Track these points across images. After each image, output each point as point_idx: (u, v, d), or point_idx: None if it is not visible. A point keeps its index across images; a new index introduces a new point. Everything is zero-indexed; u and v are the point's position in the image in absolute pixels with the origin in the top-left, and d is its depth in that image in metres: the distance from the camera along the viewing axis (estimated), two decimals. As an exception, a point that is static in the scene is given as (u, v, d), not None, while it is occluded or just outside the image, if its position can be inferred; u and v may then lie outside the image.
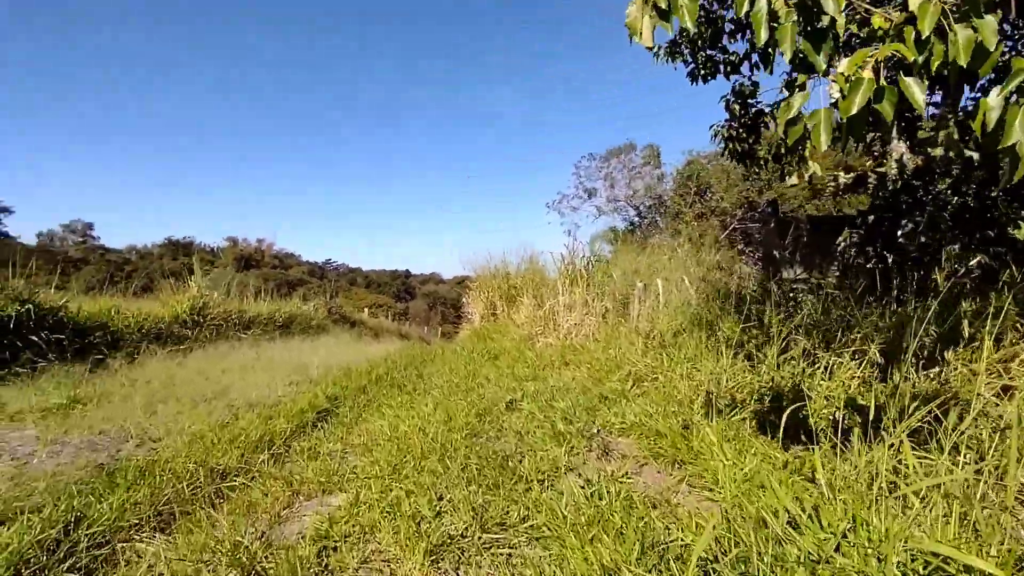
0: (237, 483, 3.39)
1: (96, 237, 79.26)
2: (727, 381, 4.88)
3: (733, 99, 5.92)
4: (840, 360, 4.35)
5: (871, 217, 5.70)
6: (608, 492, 3.15)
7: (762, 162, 6.08)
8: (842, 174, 6.90)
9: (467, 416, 4.85)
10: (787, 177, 6.28)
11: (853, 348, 4.48)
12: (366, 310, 20.77)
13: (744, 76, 6.08)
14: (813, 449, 3.69)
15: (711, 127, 6.18)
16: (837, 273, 6.84)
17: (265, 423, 4.40)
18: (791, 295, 6.68)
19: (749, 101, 5.86)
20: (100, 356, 6.59)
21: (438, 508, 3.07)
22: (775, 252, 8.39)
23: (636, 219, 15.52)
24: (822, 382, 4.27)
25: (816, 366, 4.46)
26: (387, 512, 2.97)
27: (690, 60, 6.20)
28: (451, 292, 56.65)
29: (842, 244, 6.17)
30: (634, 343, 6.95)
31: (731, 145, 5.99)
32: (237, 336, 9.83)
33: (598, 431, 4.50)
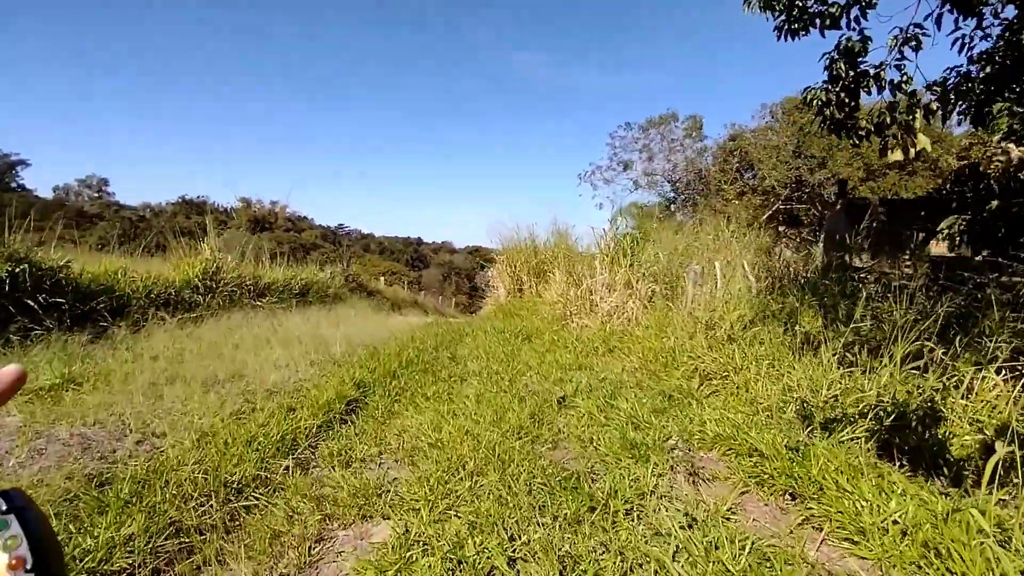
0: (256, 502, 2.73)
1: (111, 193, 79.05)
2: (827, 389, 4.16)
3: (838, 57, 5.05)
4: (983, 374, 3.60)
5: (994, 203, 4.86)
6: (724, 540, 2.47)
7: (862, 133, 5.23)
8: (1013, 147, 5.98)
9: (518, 415, 4.17)
10: (889, 152, 5.45)
11: (988, 358, 3.75)
12: (382, 279, 20.13)
13: (847, 31, 5.21)
14: (968, 490, 3.00)
15: (804, 91, 5.32)
16: (927, 264, 6.03)
17: (286, 417, 3.74)
18: (875, 286, 5.90)
19: (857, 61, 4.99)
20: (103, 324, 5.96)
21: (512, 553, 2.41)
22: (841, 236, 7.56)
23: (671, 195, 14.63)
24: (959, 400, 3.54)
25: (949, 378, 3.71)
26: (449, 559, 2.31)
27: (782, 10, 5.32)
28: (466, 262, 55.95)
29: (945, 231, 5.35)
30: (692, 333, 6.23)
31: (827, 112, 5.14)
32: (251, 304, 9.21)
33: (677, 443, 3.83)
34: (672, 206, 14.69)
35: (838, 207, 8.12)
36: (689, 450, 3.73)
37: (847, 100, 5.05)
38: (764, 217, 12.93)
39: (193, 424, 3.48)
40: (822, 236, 9.00)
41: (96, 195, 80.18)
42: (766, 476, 3.20)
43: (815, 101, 5.17)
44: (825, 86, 5.15)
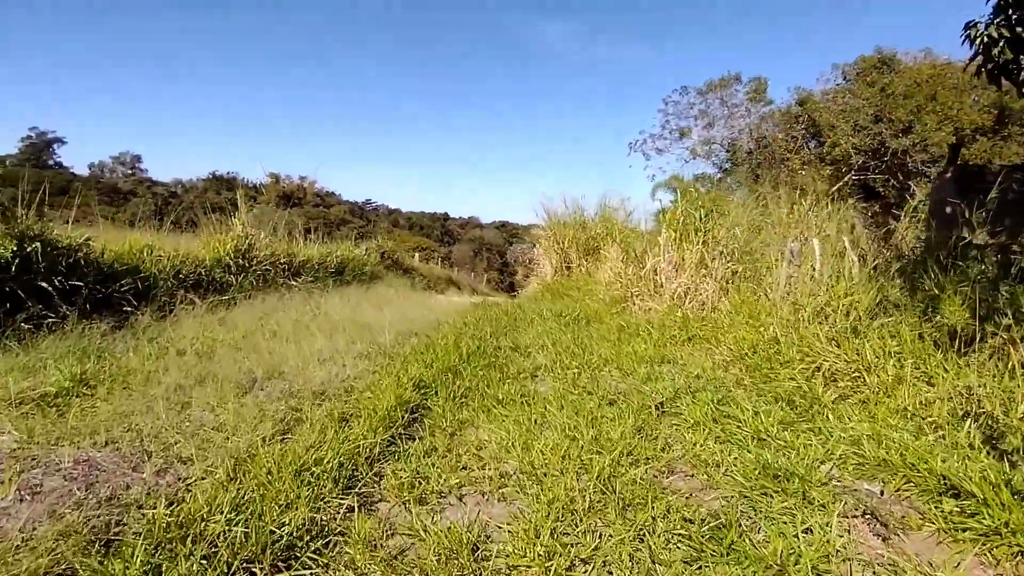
0: (312, 569, 2.01)
1: (144, 169, 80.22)
2: (1021, 404, 3.26)
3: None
4: None
5: None
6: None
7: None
8: None
9: (620, 429, 3.39)
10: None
11: None
12: (416, 255, 19.48)
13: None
14: None
15: (966, 27, 4.29)
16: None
17: (340, 432, 3.01)
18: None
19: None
20: (127, 310, 5.33)
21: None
22: (953, 209, 6.51)
23: (727, 165, 13.48)
24: None
25: None
26: None
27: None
28: (496, 238, 55.10)
29: None
30: (794, 322, 5.34)
31: (994, 51, 4.12)
32: (287, 284, 8.56)
33: (832, 470, 3.00)
34: (729, 178, 13.57)
35: (948, 175, 7.04)
36: (846, 479, 2.91)
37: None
38: (834, 189, 11.78)
39: (228, 445, 2.76)
40: (926, 209, 7.93)
41: (130, 172, 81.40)
42: (987, 527, 2.37)
43: (979, 40, 4.15)
44: (996, 20, 4.12)
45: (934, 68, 11.65)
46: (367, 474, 2.74)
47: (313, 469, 2.61)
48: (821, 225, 8.88)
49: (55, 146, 77.42)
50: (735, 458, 3.11)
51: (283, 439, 2.96)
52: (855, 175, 11.81)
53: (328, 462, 2.66)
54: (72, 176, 67.37)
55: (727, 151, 13.17)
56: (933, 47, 12.53)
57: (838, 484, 2.84)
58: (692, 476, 3.03)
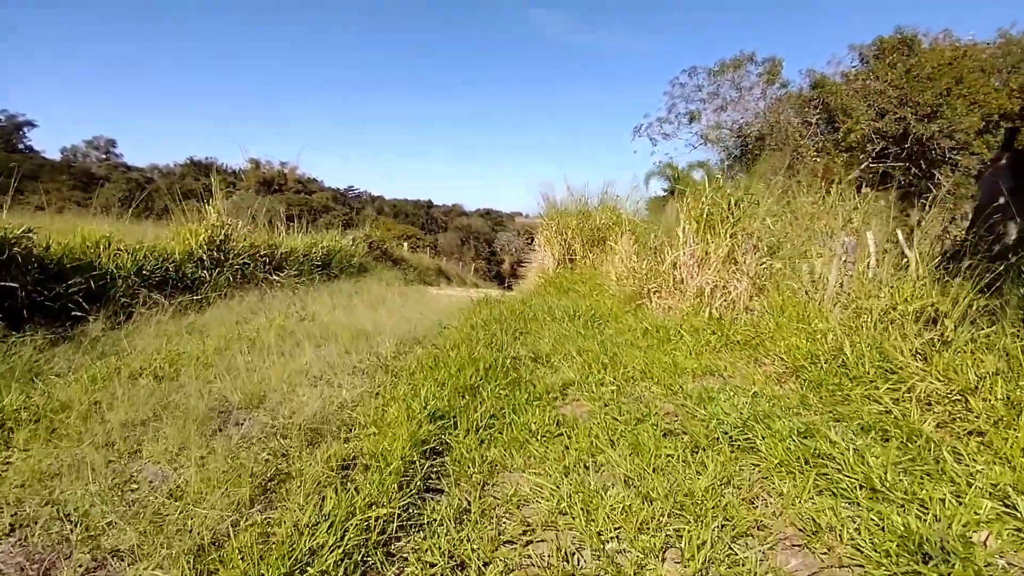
0: None
1: (119, 154, 77.59)
2: None
3: None
4: None
5: None
6: None
7: None
8: None
9: (702, 480, 2.67)
10: None
11: None
12: (405, 244, 18.60)
13: None
14: None
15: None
16: None
17: (342, 499, 2.24)
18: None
19: None
20: (77, 315, 4.48)
21: None
22: (1008, 199, 5.88)
23: (737, 151, 12.76)
24: None
25: None
26: None
27: None
28: (483, 226, 54.04)
29: None
30: (853, 328, 4.66)
31: None
32: (268, 279, 7.71)
33: (988, 542, 2.31)
34: (737, 164, 12.88)
35: (1002, 162, 6.39)
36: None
37: None
38: (851, 177, 11.15)
39: (187, 525, 1.98)
40: (977, 199, 7.31)
41: (104, 156, 78.76)
42: None
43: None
44: None
45: (956, 50, 11.03)
46: (381, 561, 1.98)
47: (309, 560, 1.85)
48: (848, 216, 8.27)
49: (25, 129, 74.55)
50: (854, 520, 2.42)
51: (265, 508, 2.18)
52: (872, 162, 11.18)
53: (329, 553, 1.89)
54: (44, 161, 64.99)
55: (737, 136, 12.46)
56: (952, 28, 11.94)
57: (1012, 566, 2.15)
58: (804, 548, 2.33)
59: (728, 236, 6.97)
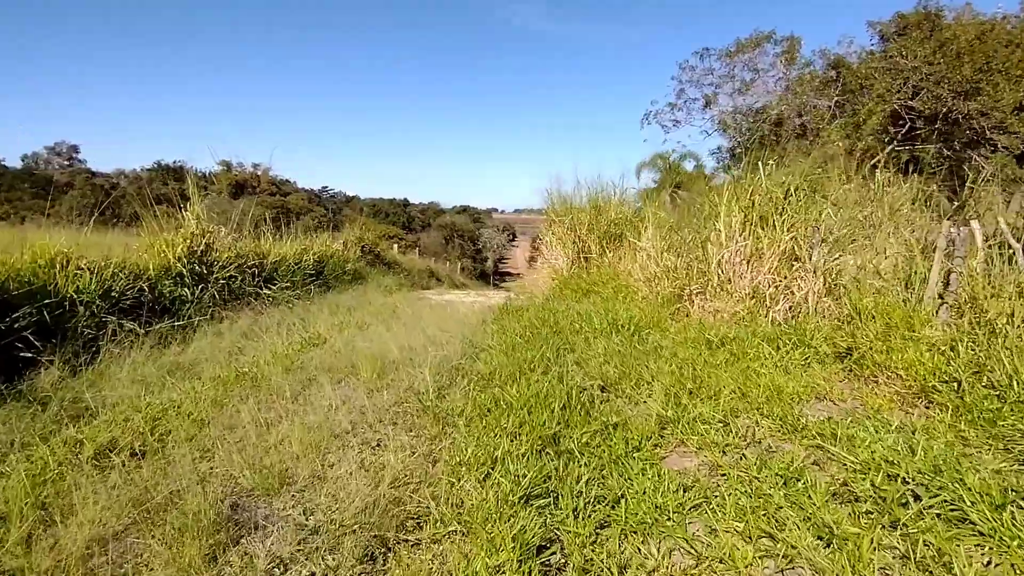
0: None
1: (82, 160, 74.74)
2: None
3: None
4: None
5: None
6: None
7: None
8: None
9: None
10: None
11: None
12: (395, 247, 17.55)
13: None
14: None
15: None
16: None
17: None
18: None
19: None
20: (26, 357, 3.48)
21: None
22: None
23: (756, 137, 11.97)
24: None
25: None
26: None
27: None
28: (468, 224, 52.82)
29: None
30: (994, 339, 3.87)
31: None
32: (257, 293, 6.71)
33: None
34: (747, 153, 12.10)
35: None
36: None
37: None
38: (876, 160, 10.49)
39: None
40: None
41: (67, 163, 75.84)
42: None
43: None
44: None
45: (983, 24, 10.42)
46: None
47: None
48: (898, 205, 7.56)
49: (-20, 136, 71.35)
50: None
51: None
52: (899, 145, 10.51)
53: None
54: (3, 169, 62.09)
55: (753, 121, 11.68)
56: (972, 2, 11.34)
57: None
58: None
59: (786, 229, 6.17)
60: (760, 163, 6.91)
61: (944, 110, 9.55)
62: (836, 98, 11.15)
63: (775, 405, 3.63)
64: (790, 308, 5.81)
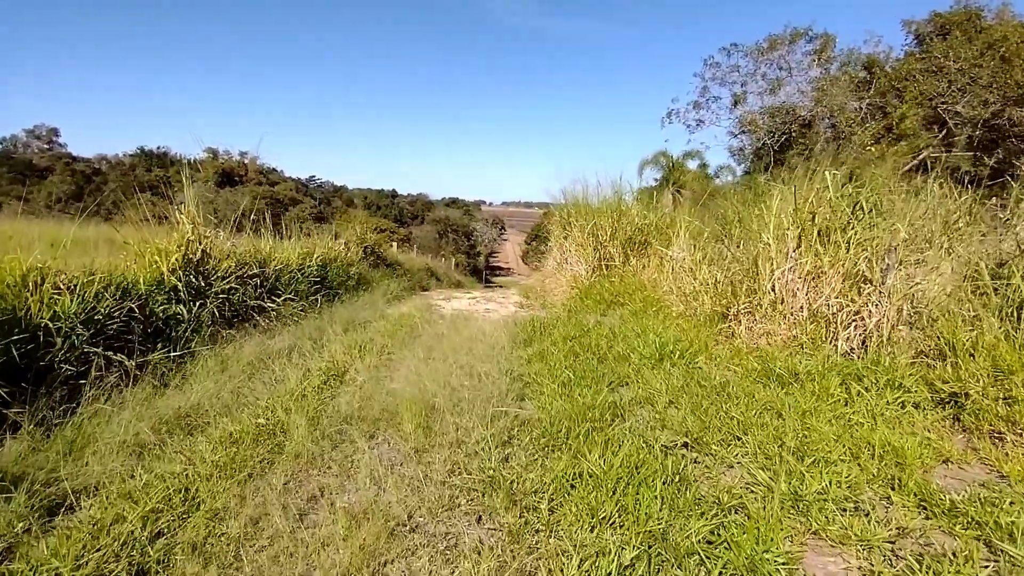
0: None
1: (63, 144, 72.80)
2: None
3: None
4: None
5: None
6: None
7: None
8: None
9: None
10: None
11: None
12: (394, 245, 16.79)
13: None
14: None
15: None
16: None
17: None
18: None
19: None
20: (-14, 410, 2.77)
21: None
22: None
23: (768, 140, 11.40)
24: None
25: None
26: None
27: None
28: (461, 218, 51.87)
29: None
30: None
31: None
32: (259, 307, 5.99)
33: None
34: (767, 155, 11.57)
35: None
36: None
37: None
38: (908, 168, 9.97)
39: None
40: None
41: (46, 147, 73.84)
42: None
43: None
44: None
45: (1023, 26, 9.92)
46: None
47: None
48: (953, 218, 7.02)
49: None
50: None
51: None
52: (936, 151, 9.99)
53: None
54: (-20, 152, 60.27)
55: (783, 122, 11.07)
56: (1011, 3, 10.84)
57: None
58: None
59: (852, 245, 5.59)
60: (821, 170, 6.32)
61: (988, 115, 9.03)
62: (868, 100, 10.60)
63: (902, 473, 3.03)
64: (863, 338, 5.23)
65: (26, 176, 59.10)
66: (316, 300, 7.11)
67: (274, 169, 66.53)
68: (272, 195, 41.76)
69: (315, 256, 8.38)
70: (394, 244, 16.82)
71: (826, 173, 5.96)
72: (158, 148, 68.64)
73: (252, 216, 7.82)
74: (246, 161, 56.22)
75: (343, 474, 2.74)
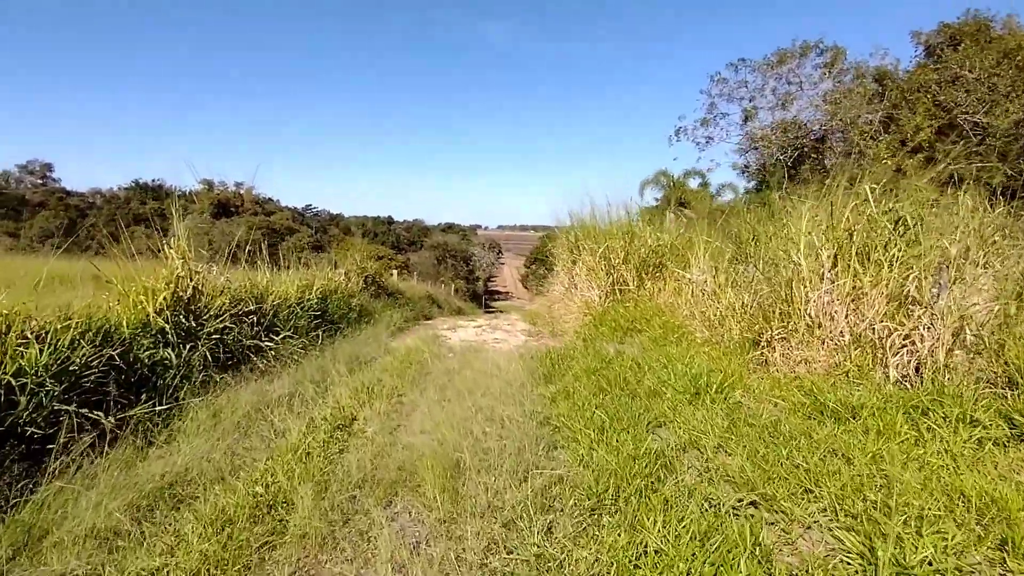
0: None
1: (56, 179, 72.74)
2: None
3: None
4: None
5: None
6: None
7: None
8: None
9: None
10: None
11: None
12: (395, 273, 16.38)
13: None
14: None
15: None
16: None
17: None
18: None
19: None
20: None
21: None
22: None
23: (781, 156, 11.11)
24: None
25: None
26: None
27: None
28: (459, 243, 51.51)
29: None
30: None
31: None
32: (256, 347, 5.53)
33: None
34: (779, 171, 11.26)
35: None
36: None
37: None
38: (925, 180, 9.55)
39: None
40: None
41: (40, 182, 73.73)
42: None
43: None
44: None
45: (1033, 35, 9.72)
46: None
47: None
48: (989, 233, 6.64)
49: (-52, 155, 69.19)
50: None
51: None
52: (957, 162, 9.70)
53: None
54: (-26, 188, 60.09)
55: (795, 137, 10.80)
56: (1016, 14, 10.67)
57: None
58: None
59: (896, 264, 5.19)
60: (861, 184, 5.96)
61: (1008, 125, 8.75)
62: (881, 112, 10.34)
63: (1010, 531, 2.58)
64: (916, 365, 4.80)
65: (19, 211, 58.86)
66: (317, 336, 6.65)
67: (270, 199, 66.31)
68: (268, 225, 41.42)
69: (315, 288, 7.95)
70: (394, 272, 16.40)
71: (866, 187, 5.58)
72: (153, 180, 68.56)
73: (248, 247, 7.37)
74: (242, 191, 56.03)
75: (358, 558, 2.27)
